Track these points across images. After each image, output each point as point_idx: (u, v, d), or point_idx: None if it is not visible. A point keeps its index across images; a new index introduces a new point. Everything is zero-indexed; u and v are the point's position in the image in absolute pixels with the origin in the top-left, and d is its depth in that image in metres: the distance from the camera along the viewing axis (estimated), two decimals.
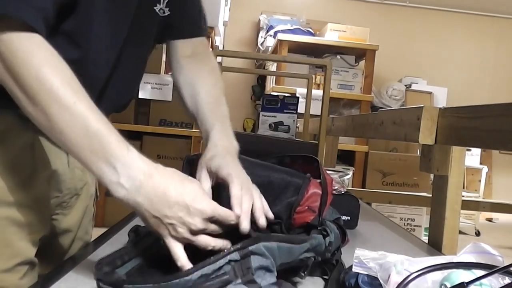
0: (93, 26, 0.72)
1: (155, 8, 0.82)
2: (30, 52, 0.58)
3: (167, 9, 0.85)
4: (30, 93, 0.58)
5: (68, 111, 0.57)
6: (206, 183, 0.69)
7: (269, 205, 0.72)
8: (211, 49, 0.97)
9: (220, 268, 0.54)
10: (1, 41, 0.58)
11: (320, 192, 0.75)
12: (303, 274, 0.67)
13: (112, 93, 0.81)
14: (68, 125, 0.57)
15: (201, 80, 0.89)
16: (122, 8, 0.76)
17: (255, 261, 0.57)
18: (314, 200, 0.75)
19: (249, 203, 0.64)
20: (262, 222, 0.66)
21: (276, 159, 0.83)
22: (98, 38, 0.74)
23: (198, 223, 0.58)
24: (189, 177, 0.63)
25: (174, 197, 0.58)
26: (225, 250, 0.56)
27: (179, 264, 0.58)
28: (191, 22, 0.95)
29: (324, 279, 0.74)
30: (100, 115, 0.59)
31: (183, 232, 0.58)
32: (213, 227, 0.60)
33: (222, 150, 0.73)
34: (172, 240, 0.59)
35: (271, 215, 0.70)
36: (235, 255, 0.55)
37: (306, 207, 0.74)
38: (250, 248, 0.57)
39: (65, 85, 0.58)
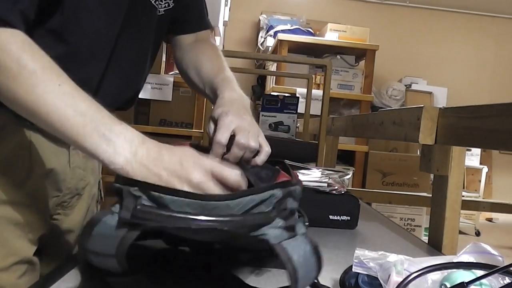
0: (81, 21, 0.72)
1: (151, 1, 0.82)
2: (7, 41, 0.57)
3: (171, 1, 0.85)
4: (12, 78, 0.56)
5: (54, 93, 0.56)
6: (211, 128, 0.72)
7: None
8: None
9: (262, 202, 0.51)
10: None
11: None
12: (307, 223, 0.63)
13: (110, 87, 0.80)
14: (56, 105, 0.56)
15: (204, 57, 0.92)
16: (113, 1, 0.75)
17: (290, 203, 0.55)
18: None
19: (240, 147, 0.68)
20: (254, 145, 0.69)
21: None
22: (88, 34, 0.73)
23: (198, 174, 0.55)
24: (181, 148, 0.60)
25: (168, 155, 0.56)
26: (267, 185, 0.53)
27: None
28: (197, 16, 0.98)
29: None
30: (86, 95, 0.58)
31: (182, 182, 0.55)
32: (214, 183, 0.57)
33: (228, 101, 0.76)
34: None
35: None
36: (278, 192, 0.52)
37: None
38: (291, 188, 0.55)
39: (47, 70, 0.57)
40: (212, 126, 0.73)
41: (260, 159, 0.72)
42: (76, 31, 0.72)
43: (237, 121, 0.71)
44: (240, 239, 0.53)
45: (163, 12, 0.85)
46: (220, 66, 0.90)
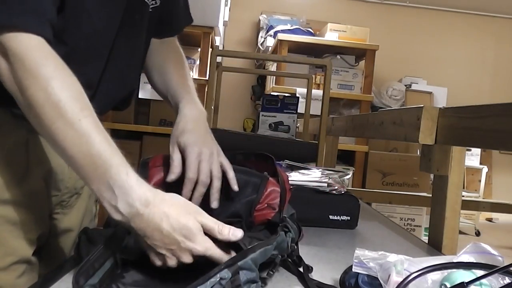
0: (81, 24, 0.72)
1: None
2: (39, 64, 0.58)
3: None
4: (36, 105, 0.58)
5: (73, 128, 0.57)
6: (177, 157, 0.80)
7: (229, 204, 0.78)
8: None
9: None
10: (9, 52, 0.58)
11: (279, 190, 0.78)
12: (271, 272, 0.67)
13: (107, 87, 0.81)
14: (72, 141, 0.58)
15: (169, 64, 0.95)
16: (112, 4, 0.76)
17: (243, 276, 0.57)
18: (273, 198, 0.78)
19: (206, 171, 0.77)
20: (214, 205, 0.77)
21: (228, 154, 0.86)
22: (87, 36, 0.74)
23: (187, 259, 0.59)
24: (188, 206, 0.62)
25: (166, 231, 0.58)
26: (215, 268, 0.55)
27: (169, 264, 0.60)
28: (179, 16, 0.99)
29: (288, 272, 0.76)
30: (105, 134, 0.60)
31: (172, 261, 0.59)
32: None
33: (191, 122, 0.82)
34: (156, 258, 0.60)
35: (235, 187, 0.79)
36: (226, 273, 0.55)
37: (266, 205, 0.78)
38: (239, 263, 0.56)
39: (72, 101, 0.58)
40: (176, 151, 0.80)
41: (234, 189, 0.79)
42: (76, 33, 0.72)
43: (203, 149, 0.80)
44: None
45: (151, 10, 0.85)
46: (183, 76, 0.93)
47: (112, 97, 0.85)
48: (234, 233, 0.60)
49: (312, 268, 0.74)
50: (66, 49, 0.71)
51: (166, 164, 0.81)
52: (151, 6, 0.84)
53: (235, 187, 0.78)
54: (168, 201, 0.60)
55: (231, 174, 0.80)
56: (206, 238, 0.59)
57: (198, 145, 0.80)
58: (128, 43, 0.83)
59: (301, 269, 0.73)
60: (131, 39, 0.84)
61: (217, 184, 0.78)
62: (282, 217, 0.74)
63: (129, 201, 0.57)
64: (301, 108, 2.23)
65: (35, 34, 0.59)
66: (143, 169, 0.81)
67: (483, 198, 4.41)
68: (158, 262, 0.60)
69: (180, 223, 0.58)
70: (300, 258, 0.75)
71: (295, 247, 0.75)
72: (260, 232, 0.77)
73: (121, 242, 0.63)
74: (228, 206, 0.79)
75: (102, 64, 0.79)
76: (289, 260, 0.74)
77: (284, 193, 0.78)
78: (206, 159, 0.79)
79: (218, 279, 0.54)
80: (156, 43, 0.97)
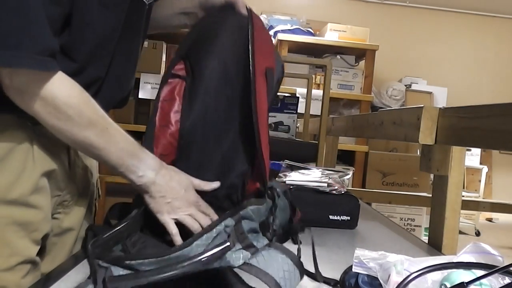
0: (87, 39, 0.75)
1: None
2: (70, 95, 0.70)
3: None
4: (73, 125, 0.70)
5: (104, 137, 0.73)
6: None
7: (224, 178, 0.82)
8: None
9: (216, 236, 0.56)
10: (40, 92, 0.67)
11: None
12: (269, 234, 0.72)
13: (107, 91, 0.83)
14: (104, 145, 0.73)
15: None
16: (114, 12, 0.77)
17: (246, 225, 0.60)
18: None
19: None
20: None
21: None
22: (92, 49, 0.76)
23: (192, 196, 0.76)
24: (180, 172, 0.79)
25: (176, 181, 0.77)
26: (219, 218, 0.59)
27: (174, 238, 0.71)
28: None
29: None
30: (124, 132, 0.77)
31: (182, 205, 0.74)
32: (203, 205, 0.77)
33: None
34: (168, 217, 0.74)
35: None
36: (229, 221, 0.58)
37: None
38: (241, 213, 0.61)
39: (100, 119, 0.73)
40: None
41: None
42: (82, 48, 0.75)
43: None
44: (210, 270, 0.56)
45: (147, 6, 0.86)
46: None
47: (112, 98, 0.87)
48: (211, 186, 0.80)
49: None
50: (74, 66, 0.74)
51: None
52: (148, 3, 0.85)
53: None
54: (169, 168, 0.79)
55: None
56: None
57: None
58: (126, 46, 0.84)
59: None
60: (129, 40, 0.85)
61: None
62: (269, 187, 0.80)
63: (150, 167, 0.76)
64: (301, 108, 2.23)
65: (44, 72, 0.67)
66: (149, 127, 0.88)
67: (483, 198, 4.41)
68: (165, 217, 0.74)
69: (181, 177, 0.79)
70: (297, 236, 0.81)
71: (291, 222, 0.81)
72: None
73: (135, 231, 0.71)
74: (224, 180, 0.82)
75: (105, 67, 0.81)
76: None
77: (262, 166, 0.81)
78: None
79: (223, 227, 0.58)
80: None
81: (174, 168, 0.79)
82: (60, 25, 0.70)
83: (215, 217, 0.74)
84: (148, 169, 0.75)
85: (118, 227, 0.66)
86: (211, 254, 0.52)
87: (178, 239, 0.71)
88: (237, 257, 0.55)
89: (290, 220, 0.83)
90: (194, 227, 0.72)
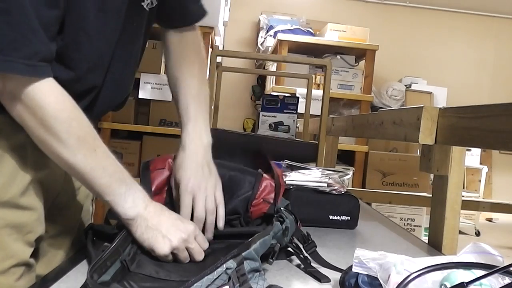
0: (81, 47, 0.74)
1: (142, 4, 0.82)
2: (58, 108, 0.67)
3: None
4: (59, 141, 0.67)
5: (91, 158, 0.69)
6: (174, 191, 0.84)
7: (227, 201, 0.83)
8: (201, 41, 0.98)
9: (217, 278, 0.56)
10: (28, 100, 0.65)
11: (273, 184, 0.85)
12: (271, 260, 0.71)
13: (105, 96, 0.82)
14: (91, 168, 0.69)
15: (184, 74, 0.91)
16: (113, 18, 0.76)
17: (247, 265, 0.60)
18: (268, 193, 0.85)
19: (200, 208, 0.80)
20: (208, 236, 0.79)
21: (227, 151, 0.91)
22: (87, 57, 0.75)
23: (188, 225, 0.73)
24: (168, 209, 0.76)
25: (166, 215, 0.74)
26: (221, 259, 0.58)
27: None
28: (181, 10, 0.94)
29: (288, 260, 0.82)
30: (113, 157, 0.72)
31: (177, 238, 0.70)
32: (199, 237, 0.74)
33: (188, 157, 0.83)
34: (167, 251, 0.69)
35: (221, 224, 0.81)
36: (231, 263, 0.58)
37: (262, 200, 0.84)
38: (243, 254, 0.60)
39: (87, 136, 0.69)
40: (174, 190, 0.84)
41: (219, 225, 0.82)
42: (77, 56, 0.74)
43: (195, 185, 0.81)
44: None
45: (148, 10, 0.85)
46: (197, 94, 0.90)
47: (111, 102, 0.87)
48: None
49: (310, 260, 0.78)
50: (70, 73, 0.73)
51: (167, 167, 0.86)
52: (148, 8, 0.84)
53: (221, 225, 0.81)
54: (158, 205, 0.75)
55: (221, 212, 0.82)
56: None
57: (191, 181, 0.81)
58: (125, 50, 0.83)
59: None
60: (129, 45, 0.84)
61: (211, 218, 0.81)
62: (276, 209, 0.79)
63: (138, 202, 0.71)
64: (301, 108, 2.23)
65: (44, 79, 0.66)
66: (145, 172, 0.84)
67: (483, 198, 4.41)
68: (168, 256, 0.70)
69: (171, 215, 0.75)
70: (299, 247, 0.81)
71: (293, 237, 0.80)
72: (259, 226, 0.80)
73: (128, 243, 0.70)
74: (226, 204, 0.83)
75: (103, 74, 0.80)
76: (290, 248, 0.80)
77: (279, 187, 0.83)
78: (198, 195, 0.81)
79: (224, 269, 0.57)
80: (175, 45, 0.94)
81: (161, 205, 0.76)
82: (57, 30, 0.69)
83: (205, 246, 0.73)
84: (138, 200, 0.71)
85: (113, 245, 0.65)
86: None
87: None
88: None
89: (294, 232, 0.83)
90: (193, 257, 0.71)
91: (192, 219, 0.79)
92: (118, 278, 0.62)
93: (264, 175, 0.87)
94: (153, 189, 0.83)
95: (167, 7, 0.90)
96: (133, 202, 0.70)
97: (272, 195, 0.83)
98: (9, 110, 0.68)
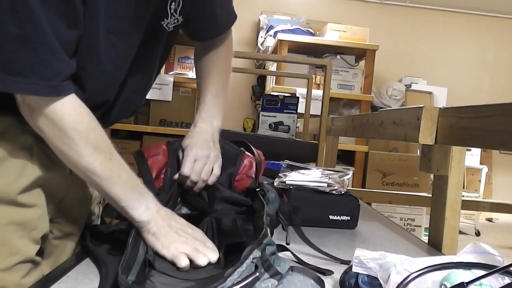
0: (95, 68, 0.75)
1: (162, 23, 0.82)
2: (76, 121, 0.69)
3: (180, 17, 0.85)
4: (77, 151, 0.69)
5: (107, 166, 0.71)
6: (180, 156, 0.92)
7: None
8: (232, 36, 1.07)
9: (245, 269, 0.58)
10: (49, 113, 0.67)
11: (254, 161, 0.92)
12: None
13: (118, 109, 0.85)
14: (108, 175, 0.71)
15: (213, 70, 1.02)
16: (124, 39, 0.76)
17: (267, 250, 0.62)
18: (249, 168, 0.92)
19: (199, 169, 0.87)
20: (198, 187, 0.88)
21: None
22: (100, 77, 0.76)
23: (196, 231, 0.76)
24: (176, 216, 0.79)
25: (175, 220, 0.77)
26: (246, 250, 0.60)
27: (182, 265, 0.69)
28: (211, 23, 0.98)
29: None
30: (126, 165, 0.74)
31: (186, 240, 0.72)
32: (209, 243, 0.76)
33: (197, 132, 0.93)
34: (177, 251, 0.70)
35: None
36: (257, 253, 0.60)
37: (244, 175, 0.92)
38: (265, 241, 0.62)
39: (103, 146, 0.72)
40: (181, 154, 0.91)
41: (211, 180, 0.90)
42: (84, 74, 0.74)
43: (199, 151, 0.89)
44: None
45: (172, 29, 0.86)
46: (217, 90, 1.01)
47: (119, 116, 0.89)
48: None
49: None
50: (85, 94, 0.74)
51: (162, 152, 0.91)
52: (172, 25, 0.85)
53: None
54: (168, 210, 0.78)
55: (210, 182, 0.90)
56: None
57: (195, 147, 0.89)
58: (141, 70, 0.85)
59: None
60: (145, 63, 0.86)
61: (201, 184, 0.89)
62: (258, 183, 0.86)
63: (150, 206, 0.74)
64: (301, 108, 2.24)
65: (65, 96, 0.68)
66: (141, 160, 0.89)
67: (483, 198, 4.41)
68: (183, 261, 0.69)
69: (180, 220, 0.78)
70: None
71: (279, 211, 0.86)
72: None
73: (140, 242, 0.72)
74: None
75: (115, 91, 0.82)
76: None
77: (259, 163, 0.91)
78: (200, 160, 0.88)
79: (251, 259, 0.59)
80: (205, 43, 1.02)
81: (171, 210, 0.80)
82: (76, 48, 0.70)
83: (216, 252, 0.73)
84: (151, 204, 0.74)
85: (130, 244, 0.67)
86: (241, 287, 0.55)
87: (185, 266, 0.70)
88: (266, 286, 0.58)
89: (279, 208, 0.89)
90: (203, 261, 0.70)
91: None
92: (141, 277, 0.63)
93: (246, 152, 0.94)
94: (154, 175, 0.88)
95: (196, 21, 0.92)
96: (146, 206, 0.73)
97: (253, 170, 0.91)
98: (27, 119, 0.70)
